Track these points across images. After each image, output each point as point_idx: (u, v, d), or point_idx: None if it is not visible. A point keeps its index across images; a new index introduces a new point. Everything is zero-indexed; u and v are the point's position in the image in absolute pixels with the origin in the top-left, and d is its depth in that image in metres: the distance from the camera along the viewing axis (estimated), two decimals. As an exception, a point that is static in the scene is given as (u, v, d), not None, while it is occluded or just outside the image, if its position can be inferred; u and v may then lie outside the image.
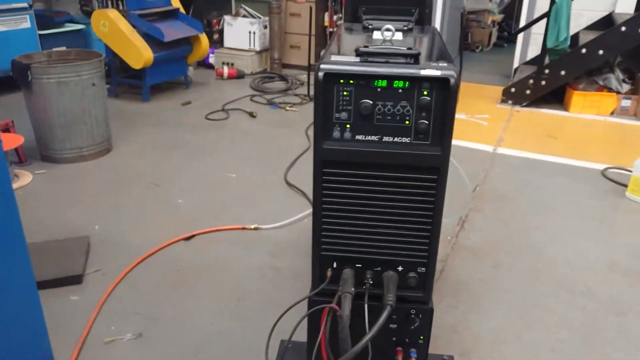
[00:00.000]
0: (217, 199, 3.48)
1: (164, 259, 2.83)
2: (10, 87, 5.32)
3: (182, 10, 5.78)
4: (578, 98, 5.32)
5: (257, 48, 6.73)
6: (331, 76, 1.46)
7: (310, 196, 2.44)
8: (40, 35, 5.75)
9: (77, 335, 2.25)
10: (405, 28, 1.93)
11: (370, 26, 1.94)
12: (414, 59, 1.49)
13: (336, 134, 1.52)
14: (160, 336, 2.28)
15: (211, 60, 6.82)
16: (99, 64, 3.92)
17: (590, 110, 5.31)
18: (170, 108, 5.33)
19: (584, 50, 5.07)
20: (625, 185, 3.64)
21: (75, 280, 2.62)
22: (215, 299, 2.53)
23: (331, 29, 6.65)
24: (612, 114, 5.30)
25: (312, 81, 5.47)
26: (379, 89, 1.47)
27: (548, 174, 3.95)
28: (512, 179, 3.86)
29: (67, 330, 2.28)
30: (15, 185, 3.53)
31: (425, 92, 1.46)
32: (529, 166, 4.10)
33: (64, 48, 5.81)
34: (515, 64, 6.46)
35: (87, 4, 6.81)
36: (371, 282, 1.65)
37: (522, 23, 6.19)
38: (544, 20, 5.23)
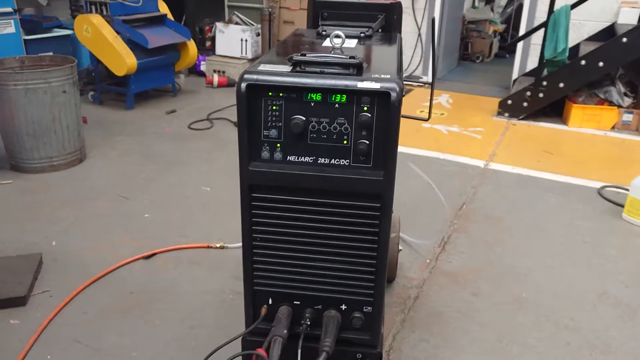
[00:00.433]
0: (187, 214, 3.29)
1: (117, 280, 2.64)
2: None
3: (170, 16, 5.63)
4: (577, 112, 5.09)
5: (249, 56, 6.56)
6: (256, 88, 1.26)
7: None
8: (26, 40, 5.63)
9: (7, 365, 2.07)
10: (362, 35, 1.74)
11: (324, 32, 1.75)
12: (357, 69, 1.30)
13: (265, 154, 1.32)
14: (99, 368, 2.09)
15: (202, 67, 6.66)
16: (70, 70, 3.75)
17: (590, 124, 5.08)
18: (154, 116, 5.16)
19: (583, 62, 4.85)
20: (622, 206, 3.42)
21: (18, 302, 2.43)
22: (166, 327, 2.33)
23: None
24: (613, 128, 5.06)
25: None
26: (312, 104, 1.27)
27: (541, 192, 3.73)
28: (501, 197, 3.64)
29: (-2, 359, 2.09)
30: (-25, 197, 3.36)
31: (365, 108, 1.26)
32: (521, 183, 3.88)
33: (50, 53, 5.68)
34: (515, 75, 6.25)
35: (78, 10, 6.69)
36: (309, 322, 1.45)
37: (522, 33, 5.99)
38: (544, 31, 5.02)
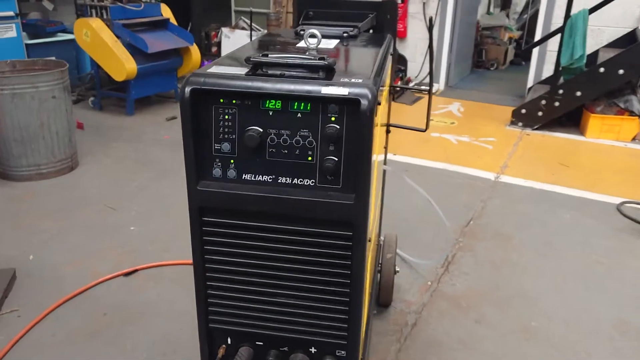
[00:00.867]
0: (174, 227, 3.10)
1: (92, 300, 2.46)
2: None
3: (173, 20, 5.49)
4: (595, 122, 4.82)
5: (255, 62, 6.39)
6: (205, 93, 1.07)
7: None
8: (29, 44, 5.54)
9: (-41, 395, 1.89)
10: (345, 35, 1.54)
11: (302, 32, 1.56)
12: (326, 72, 1.10)
13: (217, 171, 1.12)
14: (58, 400, 1.90)
15: (207, 73, 6.51)
16: (60, 75, 3.61)
17: (608, 135, 4.81)
18: (154, 123, 5.01)
19: (602, 69, 4.59)
20: (643, 224, 3.16)
21: (-17, 322, 2.27)
22: (137, 352, 2.14)
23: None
24: (633, 139, 4.79)
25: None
26: (270, 112, 1.07)
27: (554, 208, 3.47)
28: (512, 213, 3.40)
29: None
30: (-44, 205, 3.22)
31: (332, 118, 1.06)
32: (534, 198, 3.63)
33: (53, 58, 5.58)
34: (530, 83, 5.99)
35: (83, 14, 6.61)
36: (272, 366, 1.24)
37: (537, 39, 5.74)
38: (560, 37, 4.77)
